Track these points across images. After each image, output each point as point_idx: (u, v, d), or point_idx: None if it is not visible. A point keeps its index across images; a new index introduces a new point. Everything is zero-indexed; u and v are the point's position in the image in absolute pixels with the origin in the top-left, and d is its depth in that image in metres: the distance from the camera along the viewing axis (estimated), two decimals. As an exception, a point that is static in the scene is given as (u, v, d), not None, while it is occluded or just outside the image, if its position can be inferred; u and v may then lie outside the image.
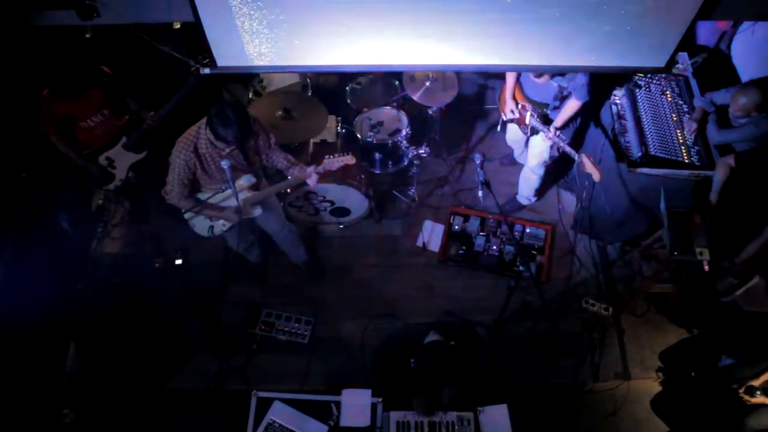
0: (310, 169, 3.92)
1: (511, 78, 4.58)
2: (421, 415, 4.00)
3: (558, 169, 5.39)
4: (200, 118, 3.66)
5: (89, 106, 4.30)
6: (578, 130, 4.78)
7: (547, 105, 4.47)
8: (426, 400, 4.01)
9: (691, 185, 4.38)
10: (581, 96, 4.24)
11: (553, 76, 4.14)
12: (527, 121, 4.55)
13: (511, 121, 4.75)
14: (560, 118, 4.43)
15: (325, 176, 4.07)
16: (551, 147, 4.60)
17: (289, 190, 4.62)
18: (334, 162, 3.89)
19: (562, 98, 4.38)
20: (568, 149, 4.31)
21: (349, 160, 3.91)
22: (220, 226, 4.11)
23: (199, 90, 4.16)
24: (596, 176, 4.17)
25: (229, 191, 3.84)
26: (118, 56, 4.57)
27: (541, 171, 4.99)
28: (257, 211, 4.12)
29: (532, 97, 4.54)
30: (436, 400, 4.02)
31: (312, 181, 3.96)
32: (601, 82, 4.58)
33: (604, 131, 4.73)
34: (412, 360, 3.88)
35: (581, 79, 4.15)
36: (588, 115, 4.80)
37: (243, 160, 3.82)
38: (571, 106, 4.34)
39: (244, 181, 3.92)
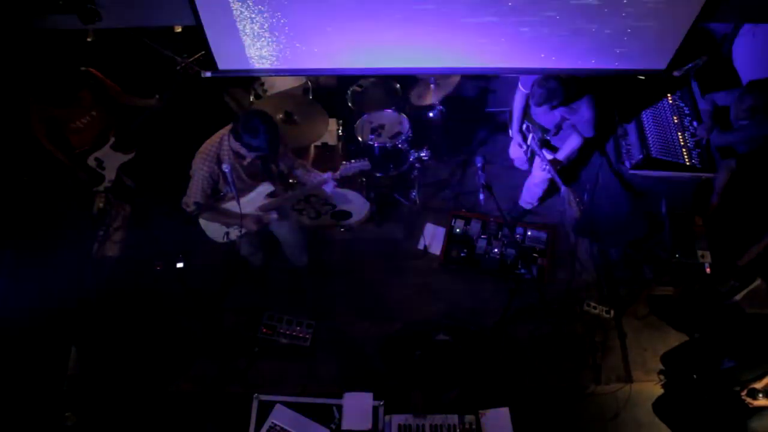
0: (327, 175, 3.92)
1: (518, 106, 4.59)
2: (417, 411, 3.99)
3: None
4: (199, 120, 3.67)
5: (77, 109, 4.30)
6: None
7: (548, 130, 4.49)
8: (423, 397, 4.00)
9: (692, 188, 4.38)
10: (585, 131, 4.24)
11: (554, 107, 4.11)
12: (528, 142, 4.57)
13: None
14: (563, 153, 4.46)
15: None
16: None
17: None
18: (351, 167, 3.90)
19: (558, 128, 4.37)
20: (557, 179, 4.41)
21: (365, 165, 3.90)
22: (236, 231, 4.12)
23: (197, 93, 4.17)
24: (574, 213, 4.28)
25: (247, 197, 3.87)
26: (113, 57, 4.59)
27: (545, 185, 5.02)
28: (273, 216, 4.15)
29: (536, 119, 4.56)
30: (434, 400, 4.01)
31: (329, 187, 3.96)
32: (608, 116, 4.59)
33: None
34: (417, 352, 3.87)
35: (585, 114, 4.16)
36: (594, 144, 4.80)
37: (261, 168, 3.82)
38: (574, 141, 4.35)
39: (262, 188, 3.92)
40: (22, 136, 4.38)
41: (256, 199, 3.95)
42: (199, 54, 3.62)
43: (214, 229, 4.11)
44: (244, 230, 4.11)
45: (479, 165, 3.81)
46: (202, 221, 4.05)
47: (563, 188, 4.43)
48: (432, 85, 4.96)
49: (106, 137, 4.49)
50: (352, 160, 3.92)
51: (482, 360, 4.48)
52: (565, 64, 3.51)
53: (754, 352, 4.03)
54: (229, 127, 3.60)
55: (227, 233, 4.08)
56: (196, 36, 3.31)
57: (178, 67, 3.86)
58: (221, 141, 3.61)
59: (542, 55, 3.43)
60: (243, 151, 3.50)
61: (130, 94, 4.54)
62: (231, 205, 3.96)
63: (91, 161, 4.52)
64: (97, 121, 4.40)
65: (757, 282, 4.46)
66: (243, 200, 3.93)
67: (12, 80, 4.39)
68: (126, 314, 4.76)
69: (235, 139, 3.48)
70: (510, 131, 4.86)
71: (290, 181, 4.43)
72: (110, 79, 4.42)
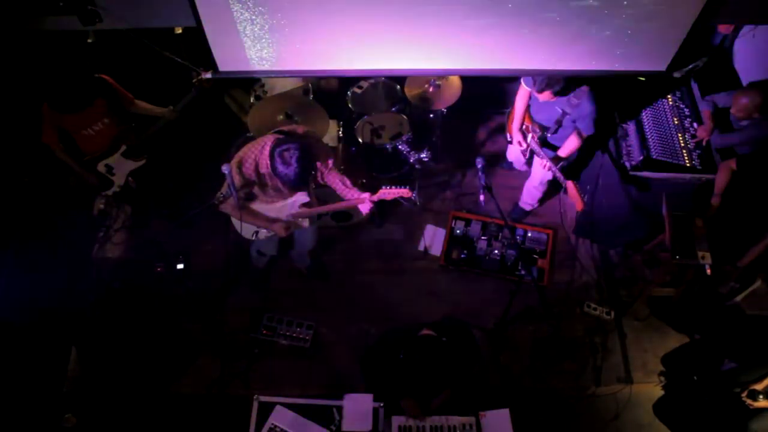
0: (365, 195, 3.91)
1: (520, 103, 4.58)
2: (409, 417, 3.98)
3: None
4: (203, 124, 3.65)
5: (90, 117, 4.29)
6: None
7: (548, 128, 4.48)
8: (414, 402, 3.99)
9: (692, 189, 4.38)
10: (585, 128, 4.23)
11: (556, 94, 4.12)
12: (528, 141, 4.56)
13: (512, 143, 4.81)
14: (564, 150, 4.44)
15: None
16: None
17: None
18: (390, 193, 3.87)
19: (559, 123, 4.37)
20: (558, 175, 4.38)
21: (406, 193, 3.89)
22: (265, 232, 4.13)
23: (202, 97, 4.17)
24: (578, 206, 4.26)
25: (281, 204, 3.87)
26: (121, 62, 4.59)
27: (544, 187, 5.01)
28: (305, 224, 4.17)
29: (535, 118, 4.56)
30: (425, 402, 4.00)
31: (365, 208, 3.96)
32: (608, 116, 4.61)
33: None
34: (401, 352, 3.85)
35: (586, 108, 4.14)
36: (594, 144, 4.79)
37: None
38: (575, 139, 4.35)
39: (298, 198, 3.93)
40: (24, 138, 4.38)
41: (290, 207, 3.96)
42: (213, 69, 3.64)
43: (244, 227, 4.11)
44: (272, 233, 4.12)
45: (479, 166, 3.80)
46: (234, 219, 4.06)
47: (568, 183, 4.41)
48: (431, 89, 4.95)
49: (117, 145, 4.48)
50: (393, 186, 3.89)
51: (470, 353, 4.47)
52: (565, 66, 3.51)
53: (755, 353, 4.03)
54: (273, 135, 3.61)
55: (257, 232, 4.08)
56: (197, 39, 3.30)
57: (194, 81, 3.87)
58: (263, 148, 3.59)
59: (542, 57, 3.43)
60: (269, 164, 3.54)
61: (142, 101, 4.54)
62: (263, 209, 3.96)
63: (100, 167, 4.51)
64: (108, 128, 4.39)
65: (758, 283, 4.45)
66: (276, 206, 3.96)
67: (16, 83, 4.39)
68: (126, 315, 4.76)
69: (269, 154, 3.51)
70: (507, 135, 4.85)
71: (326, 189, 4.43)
72: (122, 86, 4.42)
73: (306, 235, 4.52)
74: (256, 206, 3.95)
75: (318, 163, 3.85)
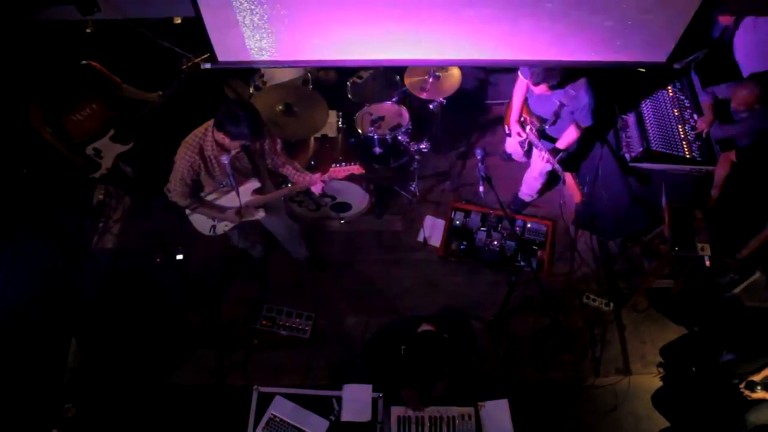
0: (316, 176, 3.92)
1: (518, 95, 4.57)
2: (410, 408, 3.99)
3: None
4: (198, 112, 3.65)
5: (78, 103, 4.29)
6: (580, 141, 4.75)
7: (546, 120, 4.46)
8: (415, 392, 4.00)
9: (692, 180, 4.37)
10: (583, 119, 4.22)
11: (552, 87, 4.10)
12: (526, 133, 4.55)
13: (510, 135, 4.80)
14: (562, 141, 4.43)
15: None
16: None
17: None
18: (340, 171, 3.89)
19: (557, 115, 4.36)
20: (557, 167, 4.38)
21: (356, 169, 3.90)
22: (223, 225, 4.12)
23: (198, 85, 4.15)
24: (577, 197, 4.23)
25: (232, 193, 3.86)
26: (114, 49, 4.57)
27: (543, 178, 5.01)
28: (260, 214, 4.13)
29: (533, 109, 4.54)
30: (426, 394, 4.01)
31: (317, 189, 3.96)
32: (607, 107, 4.58)
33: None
34: (402, 347, 3.86)
35: (584, 100, 4.12)
36: (594, 135, 4.77)
37: (248, 164, 3.82)
38: (573, 130, 4.33)
39: (249, 184, 3.91)
40: (21, 129, 4.37)
41: (241, 194, 3.94)
42: (206, 55, 3.62)
43: (200, 222, 4.11)
44: (230, 225, 4.11)
45: (479, 157, 3.81)
46: (188, 213, 4.04)
47: (567, 175, 4.41)
48: (430, 80, 4.94)
49: (105, 129, 4.48)
50: (342, 163, 3.91)
51: (470, 348, 4.48)
52: (565, 56, 3.49)
53: (753, 345, 4.05)
54: (210, 121, 3.59)
55: (213, 226, 4.07)
56: (196, 29, 3.29)
57: (183, 67, 3.86)
58: (206, 132, 3.58)
59: (542, 47, 3.42)
60: (226, 141, 3.47)
61: (130, 86, 4.53)
62: (212, 198, 3.96)
63: (89, 150, 4.51)
64: (96, 113, 4.40)
65: (757, 275, 4.47)
66: (229, 195, 3.93)
67: (11, 73, 4.37)
68: (126, 306, 4.77)
69: (217, 129, 3.46)
70: (506, 127, 4.84)
71: (279, 178, 4.42)
72: (111, 71, 4.41)
73: (274, 224, 4.48)
74: (206, 196, 3.95)
75: (266, 146, 3.83)
